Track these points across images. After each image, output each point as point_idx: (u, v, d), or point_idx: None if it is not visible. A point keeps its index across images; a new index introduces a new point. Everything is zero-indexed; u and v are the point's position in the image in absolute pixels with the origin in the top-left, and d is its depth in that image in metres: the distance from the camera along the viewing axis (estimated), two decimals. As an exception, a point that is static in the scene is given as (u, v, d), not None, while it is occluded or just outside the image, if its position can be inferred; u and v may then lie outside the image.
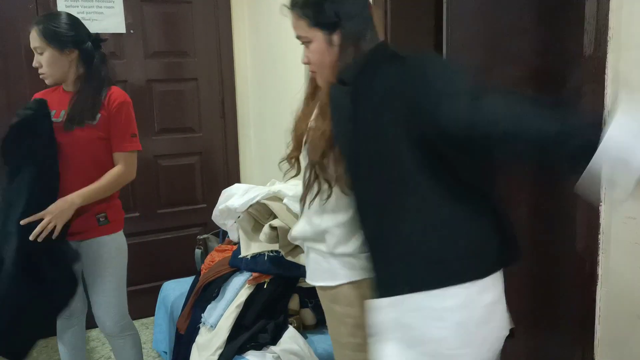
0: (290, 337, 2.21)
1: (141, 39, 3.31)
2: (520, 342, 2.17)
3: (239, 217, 2.48)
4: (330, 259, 1.58)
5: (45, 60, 2.14)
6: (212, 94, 3.65)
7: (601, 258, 1.58)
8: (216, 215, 2.61)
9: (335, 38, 1.42)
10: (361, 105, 1.31)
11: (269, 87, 3.45)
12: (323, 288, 1.63)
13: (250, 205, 2.47)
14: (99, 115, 2.16)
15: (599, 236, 1.57)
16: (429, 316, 1.24)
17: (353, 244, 1.51)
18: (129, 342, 2.35)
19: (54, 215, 2.02)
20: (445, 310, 1.23)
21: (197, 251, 2.99)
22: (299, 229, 1.66)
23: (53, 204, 2.04)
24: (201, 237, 3.03)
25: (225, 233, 2.80)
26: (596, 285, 1.59)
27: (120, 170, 2.21)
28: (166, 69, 3.46)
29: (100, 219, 2.22)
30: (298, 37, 1.47)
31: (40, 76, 2.18)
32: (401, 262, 1.27)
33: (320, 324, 2.35)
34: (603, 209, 1.55)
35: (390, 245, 1.28)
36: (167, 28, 3.41)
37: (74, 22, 2.21)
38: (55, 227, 2.02)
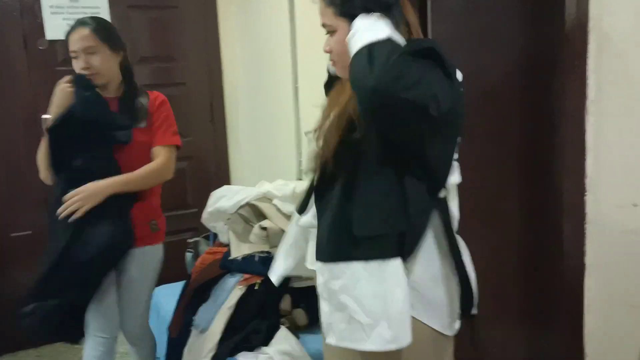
0: (283, 338, 2.20)
1: (128, 44, 3.30)
2: (510, 334, 2.17)
3: (228, 219, 2.48)
4: None
5: (99, 60, 2.09)
6: (200, 99, 3.65)
7: (588, 248, 1.58)
8: (206, 218, 2.61)
9: None
10: None
11: (257, 90, 3.45)
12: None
13: (240, 207, 2.46)
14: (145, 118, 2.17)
15: (585, 226, 1.58)
16: (349, 285, 1.31)
17: None
18: (146, 351, 2.40)
19: (81, 196, 1.99)
20: (363, 280, 1.30)
21: (188, 254, 2.98)
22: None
23: (85, 185, 2.01)
24: (191, 240, 3.02)
25: (215, 235, 2.79)
26: (583, 275, 1.60)
27: (159, 164, 2.16)
28: (154, 74, 3.46)
29: (152, 226, 2.24)
30: (323, 25, 1.40)
31: (90, 76, 2.09)
32: (337, 233, 1.33)
33: (312, 324, 2.34)
34: (588, 198, 1.56)
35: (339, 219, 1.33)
36: (154, 33, 3.41)
37: (115, 27, 2.26)
38: (79, 208, 1.99)
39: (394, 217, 1.30)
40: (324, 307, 1.39)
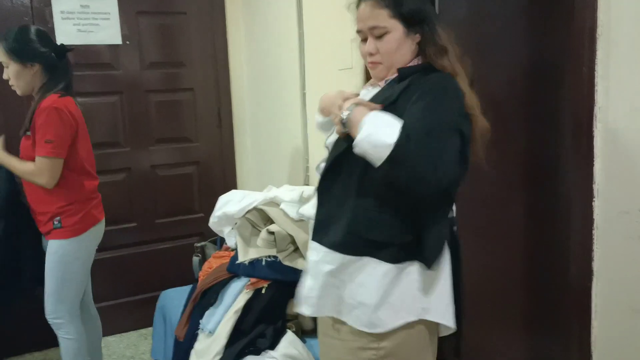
0: (289, 342, 2.21)
1: (137, 49, 3.34)
2: (517, 340, 2.17)
3: (236, 223, 2.49)
4: None
5: (11, 74, 2.31)
6: (208, 104, 3.67)
7: (596, 253, 1.59)
8: (213, 222, 2.62)
9: (416, 35, 1.45)
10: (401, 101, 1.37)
11: (265, 96, 3.47)
12: None
13: (248, 211, 2.47)
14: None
15: (594, 231, 1.58)
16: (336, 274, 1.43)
17: None
18: (61, 341, 2.52)
19: None
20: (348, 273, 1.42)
21: (195, 259, 2.99)
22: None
23: None
24: (199, 244, 3.03)
25: (222, 240, 2.80)
26: (592, 281, 1.60)
27: (29, 169, 2.31)
28: (162, 80, 3.48)
29: (55, 223, 2.38)
30: (372, 28, 1.43)
31: (12, 87, 2.35)
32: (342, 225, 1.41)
33: (319, 329, 2.34)
34: (596, 204, 1.57)
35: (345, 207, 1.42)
36: (162, 39, 3.44)
37: (38, 36, 2.33)
38: None
39: (399, 227, 1.39)
40: (309, 282, 1.50)
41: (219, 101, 3.70)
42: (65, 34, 3.09)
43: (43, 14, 3.05)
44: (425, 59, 1.46)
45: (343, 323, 1.46)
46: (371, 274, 1.39)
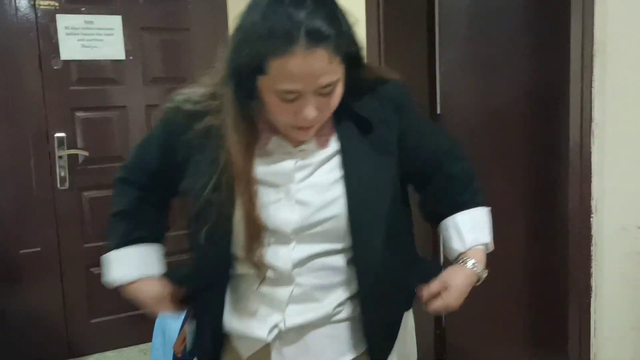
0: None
1: (140, 65, 3.36)
2: (518, 356, 2.15)
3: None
4: None
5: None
6: (210, 119, 3.68)
7: (594, 270, 1.58)
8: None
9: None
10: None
11: (266, 111, 3.49)
12: None
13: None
14: None
15: (592, 247, 1.58)
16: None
17: None
18: None
19: None
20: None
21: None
22: None
23: None
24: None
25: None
26: (590, 297, 1.60)
27: None
28: (165, 95, 3.46)
29: None
30: (326, 86, 0.98)
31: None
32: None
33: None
34: (594, 220, 1.57)
35: None
36: (166, 54, 3.46)
37: None
38: None
39: None
40: None
41: (221, 117, 3.71)
42: (70, 49, 3.12)
43: (48, 29, 3.08)
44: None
45: None
46: None
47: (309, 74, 0.94)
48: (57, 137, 3.09)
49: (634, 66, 1.44)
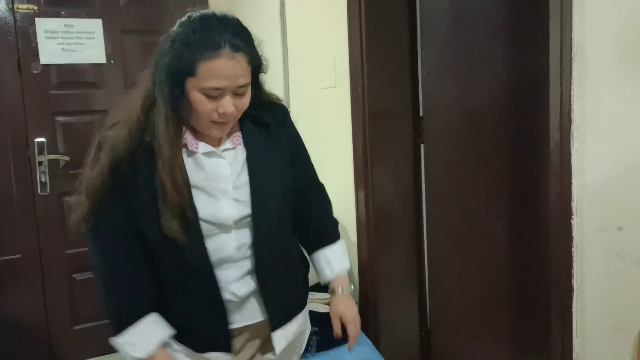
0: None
1: (121, 69, 3.34)
2: (500, 356, 2.16)
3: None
4: None
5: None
6: (193, 123, 3.66)
7: (575, 270, 1.59)
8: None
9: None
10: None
11: (249, 114, 3.48)
12: None
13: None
14: None
15: (573, 249, 1.59)
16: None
17: None
18: None
19: None
20: None
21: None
22: None
23: None
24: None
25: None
26: (572, 298, 1.61)
27: None
28: (147, 99, 3.47)
29: None
30: (241, 87, 1.26)
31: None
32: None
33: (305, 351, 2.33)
34: (575, 221, 1.58)
35: None
36: (147, 58, 3.42)
37: None
38: None
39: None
40: None
41: (204, 120, 3.69)
42: (50, 53, 3.09)
43: (27, 33, 3.05)
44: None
45: None
46: None
47: (231, 74, 1.22)
48: (37, 142, 3.06)
49: (612, 69, 1.45)
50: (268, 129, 1.41)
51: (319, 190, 1.63)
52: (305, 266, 1.61)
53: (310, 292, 2.37)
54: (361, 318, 2.47)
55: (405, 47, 2.43)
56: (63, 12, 3.12)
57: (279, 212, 1.42)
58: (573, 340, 1.62)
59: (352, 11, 2.33)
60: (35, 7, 3.06)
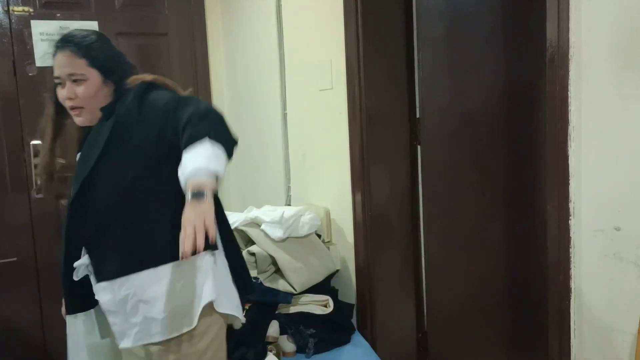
0: (270, 365, 2.19)
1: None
2: (498, 357, 2.17)
3: (216, 244, 2.47)
4: None
5: None
6: (189, 125, 3.65)
7: (573, 271, 1.60)
8: (194, 244, 2.59)
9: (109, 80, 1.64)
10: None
11: (246, 116, 3.48)
12: None
13: (228, 233, 2.46)
14: None
15: (570, 250, 1.59)
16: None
17: None
18: None
19: None
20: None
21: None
22: None
23: None
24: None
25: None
26: (570, 298, 1.61)
27: None
28: (143, 101, 3.46)
29: None
30: (70, 75, 1.59)
31: None
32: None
33: (300, 351, 2.32)
34: (573, 222, 1.58)
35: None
36: (143, 60, 3.42)
37: None
38: None
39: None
40: (113, 319, 1.62)
41: (200, 122, 3.68)
42: (45, 55, 3.08)
43: (22, 35, 3.04)
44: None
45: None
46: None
47: (59, 64, 1.61)
48: (33, 145, 3.05)
49: (609, 70, 1.46)
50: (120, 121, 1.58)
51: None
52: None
53: (306, 294, 2.39)
54: (358, 320, 2.49)
55: (402, 49, 2.44)
56: (58, 15, 3.12)
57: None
58: (571, 341, 1.63)
59: (349, 14, 2.34)
60: (31, 10, 3.05)
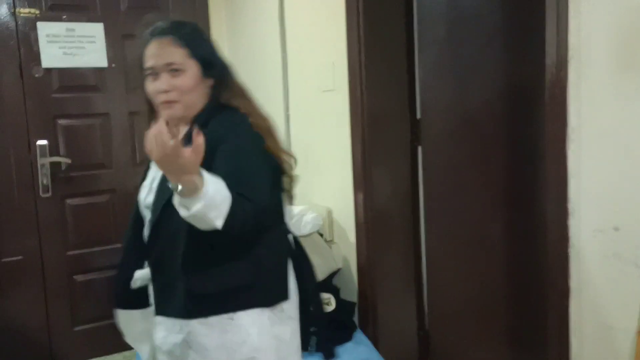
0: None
1: (122, 73, 3.36)
2: (497, 357, 2.18)
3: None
4: None
5: None
6: (193, 126, 3.67)
7: (572, 271, 1.61)
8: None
9: (210, 79, 1.52)
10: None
11: (249, 117, 3.50)
12: None
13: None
14: None
15: (569, 250, 1.60)
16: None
17: None
18: None
19: None
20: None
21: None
22: None
23: None
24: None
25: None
26: (569, 298, 1.62)
27: None
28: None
29: None
30: (169, 64, 1.44)
31: None
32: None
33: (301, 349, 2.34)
34: (571, 223, 1.59)
35: None
36: (148, 61, 3.46)
37: None
38: None
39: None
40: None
41: (204, 123, 3.70)
42: (51, 57, 3.11)
43: (28, 37, 3.07)
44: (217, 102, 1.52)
45: None
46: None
47: (155, 54, 1.46)
48: (39, 145, 3.08)
49: (608, 72, 1.47)
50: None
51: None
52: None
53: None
54: (360, 318, 2.50)
55: (403, 50, 2.45)
56: (65, 17, 3.14)
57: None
58: (570, 340, 1.64)
59: (351, 16, 2.36)
60: (37, 12, 3.08)
